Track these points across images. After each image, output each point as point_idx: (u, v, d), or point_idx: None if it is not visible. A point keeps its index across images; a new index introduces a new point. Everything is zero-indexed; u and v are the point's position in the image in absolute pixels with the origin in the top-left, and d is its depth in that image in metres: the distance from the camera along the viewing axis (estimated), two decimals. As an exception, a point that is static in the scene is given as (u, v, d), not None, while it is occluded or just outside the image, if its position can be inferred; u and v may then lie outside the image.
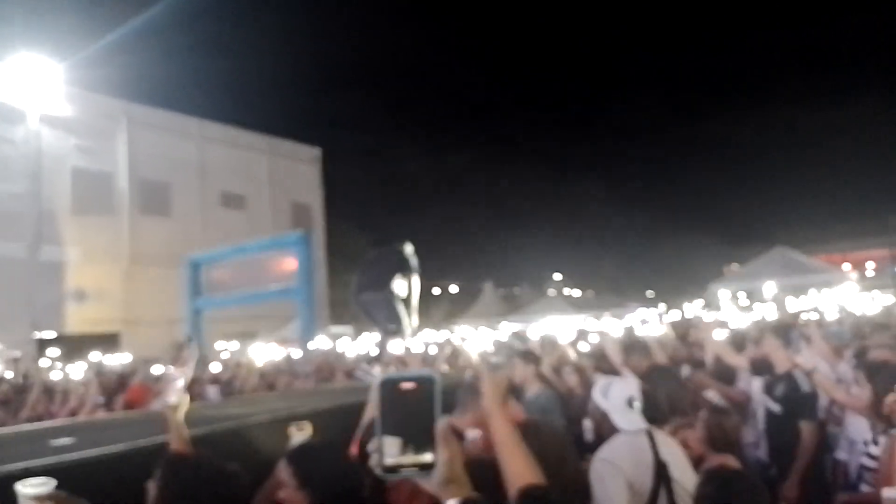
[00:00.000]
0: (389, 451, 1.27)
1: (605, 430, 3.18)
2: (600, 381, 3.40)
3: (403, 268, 6.21)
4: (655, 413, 3.22)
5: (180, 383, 3.15)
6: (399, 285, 6.16)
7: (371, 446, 1.30)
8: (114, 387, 9.00)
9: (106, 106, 24.67)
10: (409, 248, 6.30)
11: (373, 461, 1.29)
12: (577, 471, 2.95)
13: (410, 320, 6.47)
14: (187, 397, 2.92)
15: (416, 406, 1.29)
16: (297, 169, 31.76)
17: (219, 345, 15.04)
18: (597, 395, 3.27)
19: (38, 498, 2.08)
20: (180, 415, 2.87)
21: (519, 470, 1.71)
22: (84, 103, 23.73)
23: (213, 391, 8.18)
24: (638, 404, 3.15)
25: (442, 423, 1.29)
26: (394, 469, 1.28)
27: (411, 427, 1.28)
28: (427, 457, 1.28)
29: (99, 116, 24.51)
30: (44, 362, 13.05)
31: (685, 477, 2.94)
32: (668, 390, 4.04)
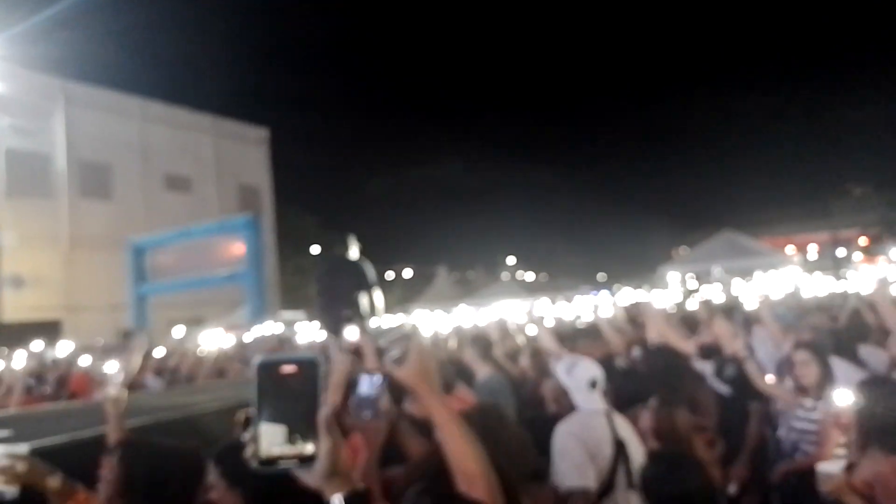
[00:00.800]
0: (267, 442, 1.16)
1: (564, 406, 3.21)
2: (565, 358, 3.40)
3: (363, 283, 6.05)
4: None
5: (120, 374, 3.05)
6: (363, 303, 6.01)
7: (247, 436, 1.19)
8: (57, 377, 8.68)
9: (42, 84, 23.66)
10: (367, 264, 6.13)
11: (248, 452, 1.18)
12: (531, 455, 2.89)
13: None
14: (126, 389, 2.83)
15: (297, 392, 1.18)
16: (244, 150, 31.08)
17: (170, 331, 14.70)
18: (560, 372, 3.27)
19: (12, 456, 2.16)
20: (120, 406, 2.79)
21: (459, 453, 1.67)
22: (18, 81, 22.66)
23: (153, 380, 7.92)
24: (600, 385, 3.16)
25: (325, 412, 1.19)
26: (271, 461, 1.17)
27: (292, 415, 1.18)
28: (308, 448, 1.18)
29: (35, 95, 23.49)
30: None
31: (639, 457, 2.99)
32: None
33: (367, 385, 2.50)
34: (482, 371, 4.88)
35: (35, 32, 21.70)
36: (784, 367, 4.61)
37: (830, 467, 3.29)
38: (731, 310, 6.41)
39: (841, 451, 3.21)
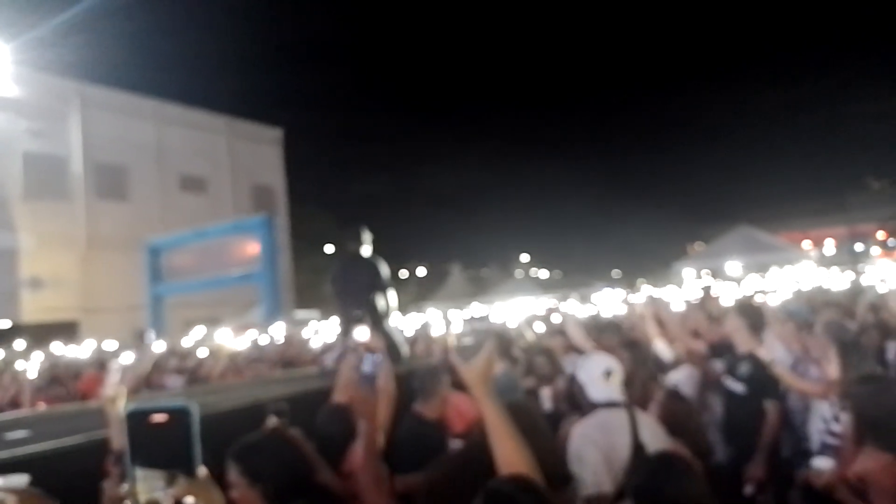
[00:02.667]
0: (147, 486, 1.13)
1: (583, 403, 3.14)
2: (582, 357, 3.36)
3: (377, 282, 6.03)
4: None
5: (120, 373, 3.02)
6: (378, 302, 6.01)
7: (125, 486, 1.16)
8: (72, 377, 8.77)
9: (58, 87, 23.86)
10: (380, 261, 6.12)
11: (127, 502, 1.14)
12: (554, 447, 2.91)
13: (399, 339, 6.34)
14: (125, 388, 2.78)
15: (170, 441, 1.14)
16: (259, 150, 31.20)
17: (187, 331, 14.80)
18: (572, 368, 3.24)
19: (12, 490, 2.03)
20: (119, 406, 2.73)
21: (509, 456, 1.73)
22: (34, 84, 22.90)
23: (174, 380, 7.98)
24: (617, 377, 3.12)
25: (202, 469, 1.16)
26: None
27: (166, 464, 1.14)
28: (188, 500, 1.14)
29: (50, 98, 23.71)
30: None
31: None
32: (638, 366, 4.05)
33: (370, 364, 2.59)
34: (497, 367, 4.90)
35: (50, 36, 21.88)
36: (799, 366, 4.57)
37: (823, 463, 3.27)
38: (748, 308, 6.33)
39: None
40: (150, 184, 26.53)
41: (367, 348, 3.42)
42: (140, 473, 1.13)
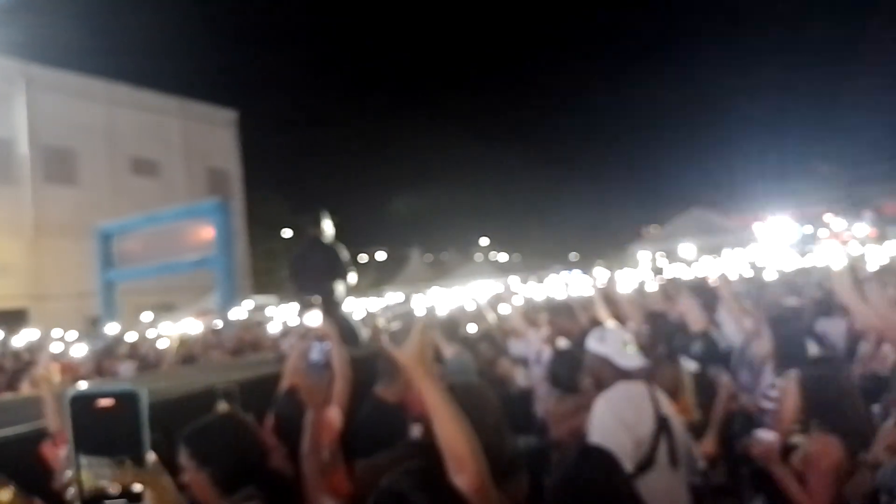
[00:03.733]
0: (92, 474, 1.09)
1: (607, 375, 3.08)
2: (594, 331, 3.32)
3: (337, 267, 5.97)
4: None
5: (48, 353, 2.91)
6: (338, 287, 5.95)
7: (67, 474, 1.11)
8: (21, 365, 8.54)
9: (2, 67, 22.99)
10: (340, 246, 6.05)
11: (70, 493, 1.09)
12: (505, 435, 2.87)
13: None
14: (58, 367, 2.70)
15: (117, 427, 1.10)
16: (213, 133, 30.59)
17: (140, 317, 14.53)
18: (593, 343, 3.20)
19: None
20: (52, 387, 2.65)
21: (450, 438, 1.70)
22: (-23, 64, 22.07)
23: (125, 367, 7.84)
24: (632, 347, 3.13)
25: (151, 456, 1.13)
26: (97, 498, 1.09)
27: (113, 451, 1.10)
28: (136, 487, 1.10)
29: (-6, 79, 22.85)
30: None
31: (681, 432, 2.94)
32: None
33: (318, 352, 2.58)
34: (448, 351, 4.97)
35: (-8, 14, 21.07)
36: (751, 343, 4.70)
37: (766, 435, 3.37)
38: (700, 288, 6.48)
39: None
40: (100, 167, 25.82)
41: (317, 336, 3.40)
42: (84, 461, 1.09)
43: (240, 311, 12.90)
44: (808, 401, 3.03)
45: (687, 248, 17.42)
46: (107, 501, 1.10)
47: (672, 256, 18.29)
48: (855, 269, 5.22)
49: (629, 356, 3.08)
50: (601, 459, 2.19)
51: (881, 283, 3.82)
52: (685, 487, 2.94)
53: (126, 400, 1.11)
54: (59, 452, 2.46)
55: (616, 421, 2.85)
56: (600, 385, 3.11)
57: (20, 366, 8.46)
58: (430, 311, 9.22)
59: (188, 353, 8.86)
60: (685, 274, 11.85)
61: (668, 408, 2.99)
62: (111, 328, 12.01)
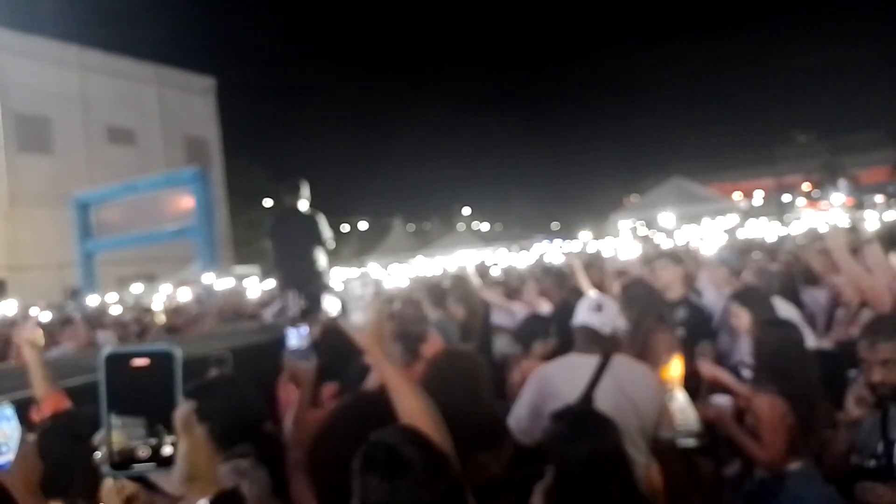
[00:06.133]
0: (124, 435, 1.08)
1: (593, 343, 2.99)
2: (587, 300, 3.26)
3: (316, 238, 5.92)
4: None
5: (33, 319, 2.90)
6: (319, 258, 5.92)
7: (98, 438, 1.10)
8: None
9: (-30, 32, 22.37)
10: (319, 215, 6.00)
11: (100, 457, 1.08)
12: (489, 402, 2.90)
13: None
14: (41, 332, 2.66)
15: (151, 387, 1.09)
16: (190, 100, 30.06)
17: (122, 288, 14.42)
18: (581, 315, 3.12)
19: None
20: (37, 350, 2.61)
21: (412, 413, 1.72)
22: (-56, 29, 21.43)
23: (105, 336, 7.78)
24: (608, 308, 3.09)
25: (183, 408, 1.11)
26: (126, 460, 1.08)
27: (145, 413, 1.09)
28: (166, 449, 1.09)
29: (-38, 44, 22.21)
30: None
31: (621, 414, 2.64)
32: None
33: (296, 338, 2.60)
34: (433, 314, 5.07)
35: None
36: (726, 312, 4.77)
37: (721, 399, 3.47)
38: (679, 254, 6.56)
39: None
40: (76, 136, 25.34)
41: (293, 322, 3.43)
42: (116, 421, 1.08)
43: (221, 281, 12.83)
44: (760, 362, 3.15)
45: (667, 217, 17.51)
46: (136, 466, 1.09)
47: (652, 225, 18.39)
48: (856, 230, 5.30)
49: (592, 316, 3.01)
50: (594, 420, 2.23)
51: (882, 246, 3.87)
52: None
53: (161, 360, 1.11)
54: (44, 419, 2.45)
55: (535, 392, 2.89)
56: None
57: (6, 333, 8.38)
58: (379, 284, 9.25)
59: (172, 322, 8.83)
60: (665, 242, 11.95)
61: (618, 387, 2.79)
62: (92, 299, 11.90)
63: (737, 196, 31.14)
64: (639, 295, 4.10)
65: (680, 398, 3.35)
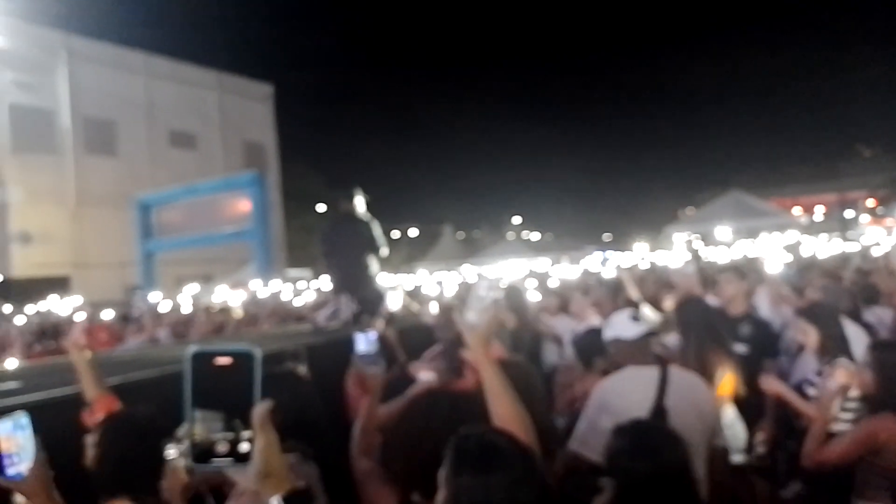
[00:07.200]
0: (204, 428, 1.12)
1: (623, 356, 3.00)
2: (625, 313, 3.23)
3: (370, 243, 5.99)
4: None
5: (82, 323, 2.97)
6: (371, 263, 5.99)
7: (180, 432, 1.17)
8: (61, 331, 8.77)
9: (45, 39, 23.38)
10: (373, 221, 6.08)
11: (182, 449, 1.15)
12: (542, 412, 2.88)
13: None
14: (85, 338, 2.74)
15: (232, 385, 1.13)
16: (249, 106, 30.81)
17: (181, 288, 14.82)
18: (606, 332, 3.10)
19: None
20: (86, 356, 2.69)
21: (507, 418, 1.71)
22: (21, 35, 22.43)
23: (165, 335, 7.99)
24: (642, 315, 3.07)
25: (261, 408, 1.15)
26: (205, 458, 1.12)
27: (226, 410, 1.13)
28: (243, 446, 1.13)
29: (37, 49, 23.23)
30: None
31: (688, 424, 2.63)
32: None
33: (364, 343, 2.58)
34: (510, 321, 5.07)
35: (36, -14, 21.39)
36: (784, 330, 4.63)
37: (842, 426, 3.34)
38: (744, 270, 6.38)
39: (847, 416, 3.24)
40: (140, 139, 26.22)
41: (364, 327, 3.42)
42: (199, 415, 1.12)
43: (276, 283, 13.07)
44: (884, 383, 2.95)
45: (723, 231, 17.12)
46: (215, 461, 1.13)
47: (708, 239, 18.03)
48: None
49: (635, 324, 2.99)
50: (657, 434, 2.18)
51: None
52: None
53: (243, 359, 1.15)
54: (96, 421, 2.52)
55: (598, 407, 2.78)
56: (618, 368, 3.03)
57: (65, 330, 8.68)
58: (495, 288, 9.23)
59: (220, 323, 9.00)
60: (722, 257, 11.69)
61: (682, 397, 2.75)
62: (153, 296, 12.27)
63: (797, 211, 30.26)
64: (692, 311, 4.01)
65: (729, 414, 3.27)
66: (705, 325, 3.91)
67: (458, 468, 1.44)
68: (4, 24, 21.61)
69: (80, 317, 8.88)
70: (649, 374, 2.84)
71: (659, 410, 2.70)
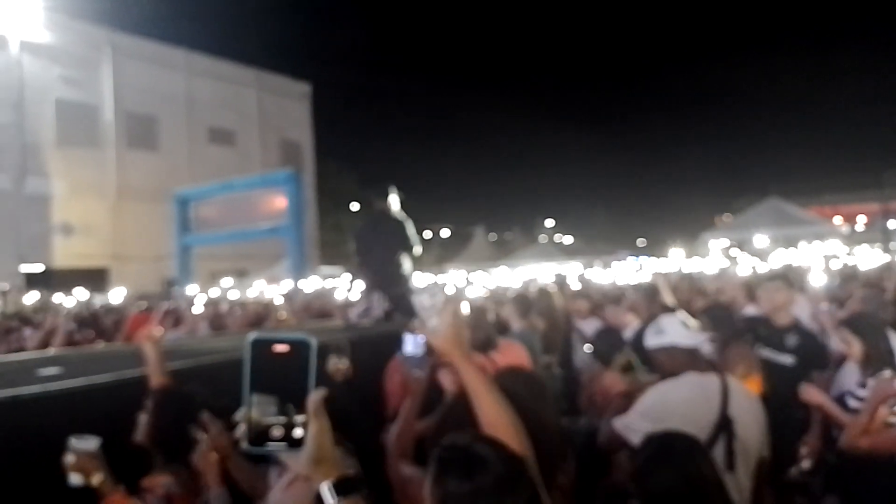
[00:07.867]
0: (259, 412, 1.16)
1: (678, 363, 2.91)
2: (649, 328, 3.18)
3: (403, 242, 6.03)
4: None
5: (160, 316, 3.13)
6: (405, 262, 6.02)
7: (238, 415, 1.18)
8: (113, 320, 8.97)
9: (90, 35, 23.93)
10: (408, 221, 6.11)
11: (239, 432, 1.17)
12: (552, 424, 2.81)
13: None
14: (163, 330, 2.87)
15: (288, 372, 1.17)
16: (287, 105, 31.17)
17: (216, 282, 15.06)
18: (651, 340, 3.04)
19: (87, 453, 2.23)
20: (159, 347, 2.83)
21: (492, 421, 1.62)
22: (66, 31, 23.01)
23: (205, 328, 8.12)
24: (692, 325, 3.01)
25: (316, 395, 1.17)
26: (260, 442, 1.16)
27: (282, 396, 1.16)
28: (297, 431, 1.17)
29: (82, 45, 23.80)
30: (31, 297, 12.96)
31: (751, 434, 2.68)
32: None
33: (412, 344, 2.57)
34: (517, 324, 5.06)
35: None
36: (825, 337, 4.54)
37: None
38: (791, 278, 6.26)
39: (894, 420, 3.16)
40: (179, 135, 26.69)
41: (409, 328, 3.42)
42: (256, 399, 1.16)
43: (310, 279, 13.19)
44: None
45: (761, 239, 16.81)
46: (270, 445, 1.16)
47: (745, 246, 17.72)
48: None
49: (691, 331, 2.95)
50: (681, 446, 2.15)
51: None
52: (741, 492, 2.64)
53: (300, 347, 1.19)
54: (147, 408, 2.61)
55: (658, 406, 2.69)
56: (674, 375, 2.92)
57: (117, 318, 8.89)
58: (459, 290, 9.23)
59: (258, 316, 9.10)
60: (760, 265, 11.49)
61: (741, 406, 2.72)
62: (191, 289, 12.47)
63: (837, 220, 29.56)
64: (719, 316, 3.97)
65: None
66: (730, 329, 3.87)
67: (442, 476, 1.43)
68: (51, 21, 22.17)
69: (139, 307, 9.06)
70: (710, 382, 2.77)
71: (725, 420, 2.64)
